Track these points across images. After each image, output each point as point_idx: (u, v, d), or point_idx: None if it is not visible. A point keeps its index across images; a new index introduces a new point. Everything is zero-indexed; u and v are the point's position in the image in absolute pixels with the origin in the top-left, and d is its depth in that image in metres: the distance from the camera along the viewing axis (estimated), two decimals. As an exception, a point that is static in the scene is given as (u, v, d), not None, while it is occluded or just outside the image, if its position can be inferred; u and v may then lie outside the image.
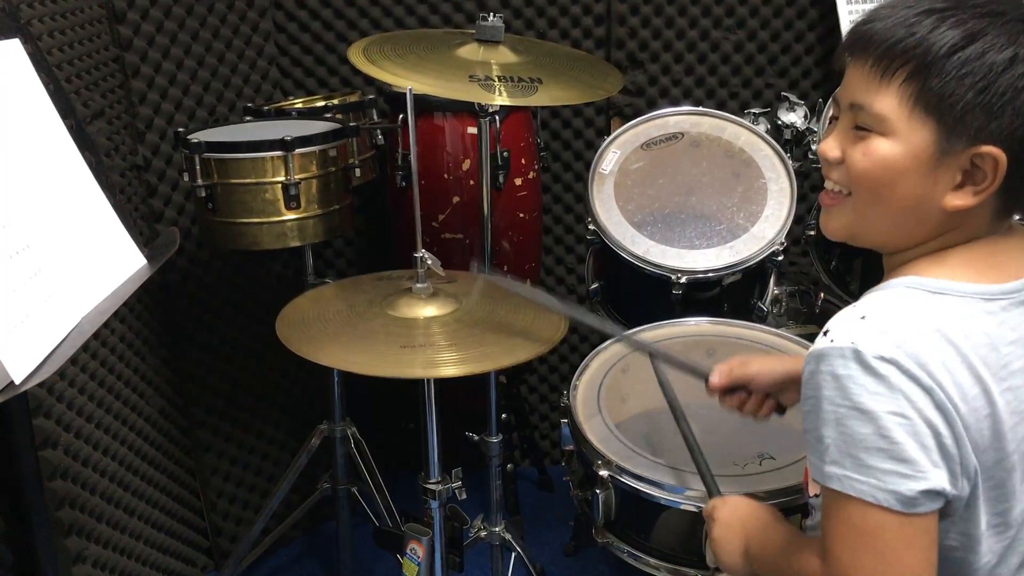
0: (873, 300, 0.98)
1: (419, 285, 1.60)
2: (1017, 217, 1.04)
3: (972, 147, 0.93)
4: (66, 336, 1.03)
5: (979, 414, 0.92)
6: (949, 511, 0.94)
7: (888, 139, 0.97)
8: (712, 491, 1.29)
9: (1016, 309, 0.97)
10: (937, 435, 0.90)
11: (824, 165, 1.06)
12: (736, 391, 1.33)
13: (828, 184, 1.07)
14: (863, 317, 0.94)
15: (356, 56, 1.69)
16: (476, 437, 1.96)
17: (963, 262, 0.99)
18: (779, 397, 1.31)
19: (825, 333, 0.95)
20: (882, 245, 1.07)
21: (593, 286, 1.96)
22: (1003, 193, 0.96)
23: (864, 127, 0.99)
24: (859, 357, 0.90)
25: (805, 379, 0.96)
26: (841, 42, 1.17)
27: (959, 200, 0.96)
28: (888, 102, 0.96)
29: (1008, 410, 0.94)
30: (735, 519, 1.19)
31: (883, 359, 0.89)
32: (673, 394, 1.41)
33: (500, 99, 1.62)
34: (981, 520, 0.96)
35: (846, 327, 0.94)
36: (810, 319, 2.11)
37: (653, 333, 1.73)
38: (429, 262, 1.58)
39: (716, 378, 1.32)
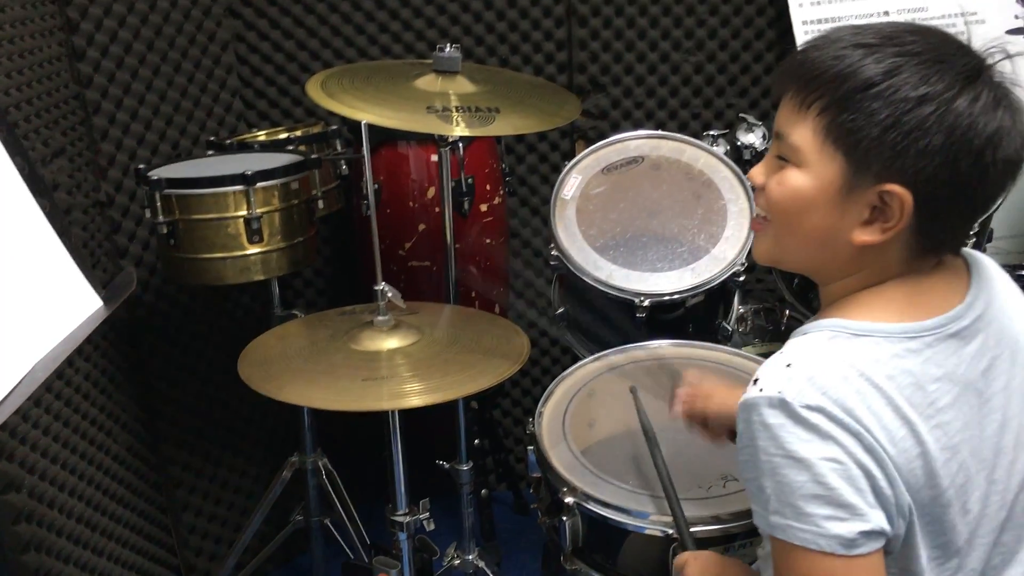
0: (798, 346, 0.98)
1: (380, 318, 1.60)
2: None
3: (878, 184, 0.94)
4: (17, 384, 1.02)
5: (909, 455, 0.93)
6: (889, 548, 0.95)
7: (800, 170, 0.99)
8: (686, 543, 1.29)
9: (942, 344, 0.97)
10: (870, 477, 0.91)
11: (753, 191, 1.08)
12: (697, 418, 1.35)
13: (756, 209, 1.08)
14: (788, 365, 0.95)
15: (314, 89, 1.70)
16: (447, 465, 1.96)
17: (884, 302, 1.00)
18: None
19: (755, 382, 0.96)
20: (803, 272, 1.10)
21: (559, 310, 1.97)
22: (917, 232, 0.96)
23: (783, 157, 1.01)
24: (786, 407, 0.91)
25: (740, 429, 0.97)
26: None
27: (867, 236, 0.97)
28: (803, 133, 0.98)
29: (938, 447, 0.95)
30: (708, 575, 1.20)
31: (810, 407, 0.91)
32: (654, 436, 1.43)
33: (458, 130, 1.63)
34: (921, 555, 0.97)
35: (773, 376, 0.94)
36: (776, 336, 2.13)
37: (617, 357, 1.74)
38: (390, 294, 1.58)
39: (677, 406, 1.34)
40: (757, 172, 1.07)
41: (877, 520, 0.91)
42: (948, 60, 0.93)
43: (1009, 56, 0.96)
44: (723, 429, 1.34)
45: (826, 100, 0.95)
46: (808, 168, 0.98)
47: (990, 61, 0.95)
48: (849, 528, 0.90)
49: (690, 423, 1.36)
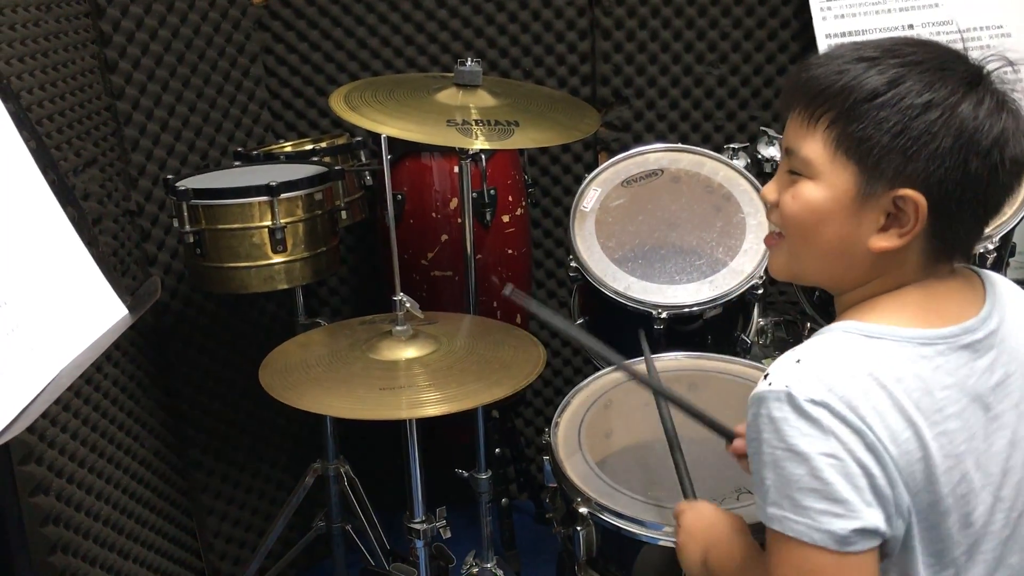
0: (811, 345, 1.00)
1: (399, 328, 1.63)
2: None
3: (892, 190, 0.96)
4: (42, 390, 1.06)
5: (911, 457, 0.94)
6: (886, 550, 0.95)
7: (814, 183, 1.01)
8: (687, 492, 1.31)
9: (953, 354, 0.98)
10: (869, 475, 0.91)
11: (766, 208, 1.09)
12: None
13: (769, 226, 1.10)
14: (798, 361, 0.96)
15: (337, 103, 1.73)
16: (466, 474, 1.97)
17: (900, 307, 1.01)
18: None
19: (765, 377, 0.98)
20: (821, 285, 1.10)
21: (579, 321, 1.99)
22: (932, 236, 0.98)
23: (795, 171, 1.03)
24: (792, 400, 0.93)
25: (748, 422, 0.99)
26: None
27: (884, 242, 0.98)
28: (814, 147, 1.00)
29: (941, 454, 0.95)
30: (698, 526, 1.20)
31: (814, 402, 0.92)
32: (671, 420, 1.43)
33: (477, 143, 1.65)
34: (918, 560, 0.98)
35: (783, 371, 0.96)
36: (797, 349, 2.12)
37: (635, 368, 1.74)
38: (408, 305, 1.60)
39: (740, 443, 1.30)
40: (769, 189, 1.08)
41: (872, 519, 0.91)
42: (949, 68, 0.96)
43: (1010, 63, 0.98)
44: None
45: (834, 113, 0.97)
46: (821, 180, 1.00)
47: (989, 68, 0.98)
48: (843, 524, 0.91)
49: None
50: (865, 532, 0.92)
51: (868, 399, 0.93)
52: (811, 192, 1.01)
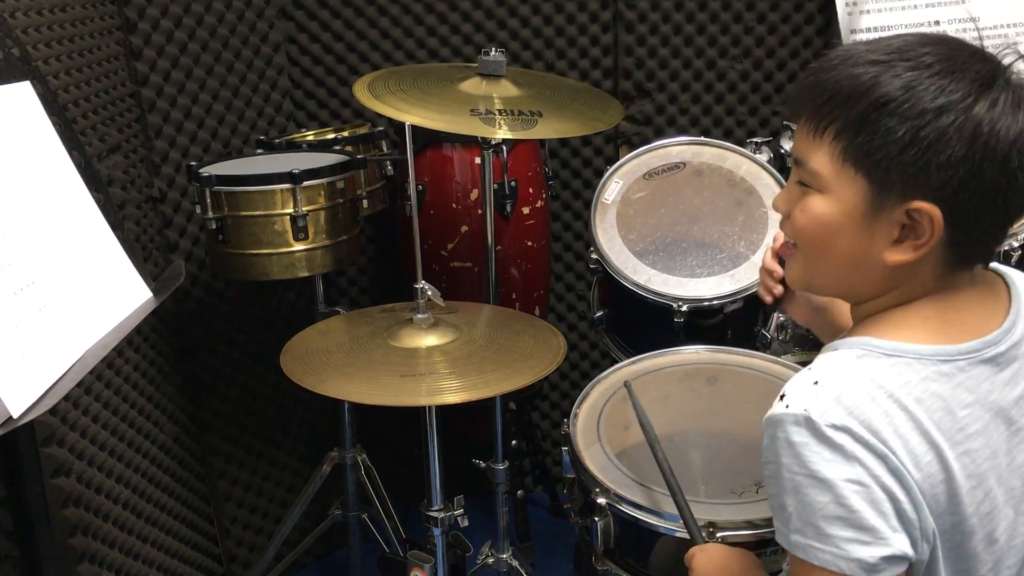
0: (827, 364, 0.97)
1: (420, 316, 1.63)
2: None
3: (904, 203, 0.92)
4: (68, 370, 1.07)
5: (934, 479, 0.91)
6: (911, 573, 0.93)
7: (823, 196, 0.97)
8: (695, 537, 1.28)
9: (975, 369, 0.95)
10: (895, 501, 0.89)
11: (781, 220, 1.07)
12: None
13: (783, 236, 1.08)
14: (816, 383, 0.93)
15: (361, 91, 1.73)
16: (482, 464, 1.98)
17: (919, 321, 0.97)
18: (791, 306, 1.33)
19: (781, 398, 0.94)
20: (837, 296, 1.07)
21: (598, 314, 1.98)
22: (949, 246, 0.94)
23: (804, 183, 0.99)
24: (812, 425, 0.90)
25: (764, 445, 0.96)
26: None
27: (899, 255, 0.95)
28: (821, 159, 0.96)
29: (964, 474, 0.93)
30: (710, 569, 1.19)
31: (835, 427, 0.89)
32: (654, 434, 1.42)
33: (500, 132, 1.65)
34: None
35: (800, 393, 0.93)
36: (816, 345, 2.10)
37: (653, 361, 1.74)
38: (429, 293, 1.60)
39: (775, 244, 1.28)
40: (780, 200, 1.05)
41: (900, 545, 0.89)
42: (962, 68, 0.91)
43: (1022, 56, 0.94)
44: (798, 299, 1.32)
45: (840, 123, 0.93)
46: (830, 193, 0.96)
47: (1005, 63, 0.93)
48: (871, 552, 0.89)
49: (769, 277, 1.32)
50: (893, 559, 0.90)
51: (889, 422, 0.90)
52: (820, 206, 0.97)
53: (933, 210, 0.91)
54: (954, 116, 0.88)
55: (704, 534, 1.30)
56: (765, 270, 1.33)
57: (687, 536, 1.38)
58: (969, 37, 0.97)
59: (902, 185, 0.91)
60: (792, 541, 0.93)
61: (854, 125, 0.92)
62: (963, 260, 0.97)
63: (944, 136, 0.89)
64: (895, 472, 0.89)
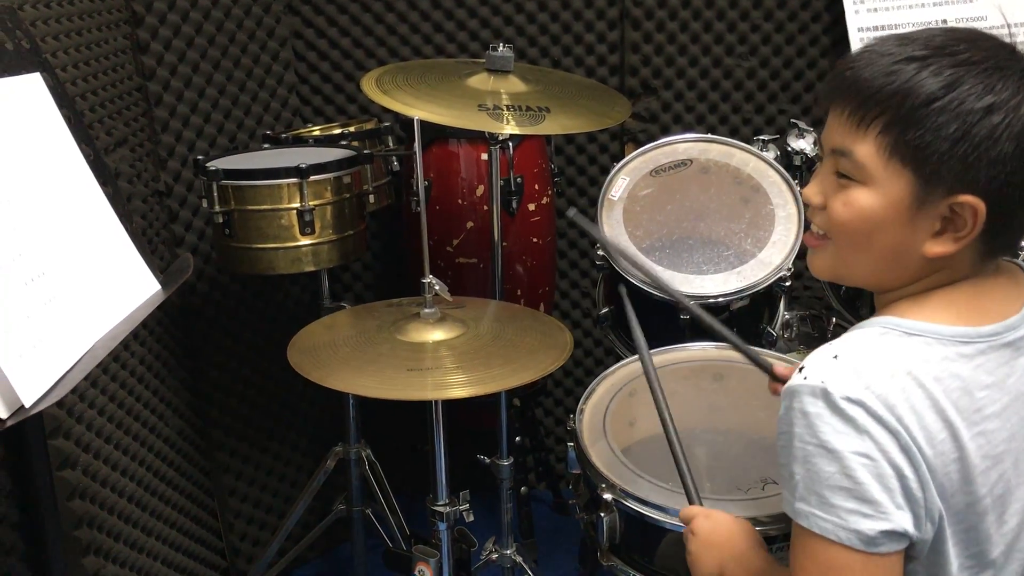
0: (848, 340, 0.98)
1: (427, 310, 1.63)
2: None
3: (950, 197, 0.93)
4: (78, 360, 1.07)
5: (946, 458, 0.92)
6: (914, 553, 0.94)
7: (867, 188, 0.97)
8: (691, 497, 1.25)
9: (995, 352, 0.96)
10: (902, 477, 0.90)
11: (808, 209, 1.07)
12: None
13: (812, 226, 1.07)
14: (836, 356, 0.94)
15: (369, 85, 1.73)
16: (487, 460, 1.98)
17: (944, 304, 0.99)
18: None
19: (800, 370, 0.96)
20: (866, 286, 1.07)
21: (603, 311, 1.98)
22: (985, 237, 0.95)
23: (845, 175, 0.99)
24: (827, 397, 0.91)
25: (780, 415, 0.97)
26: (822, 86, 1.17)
27: (939, 247, 0.96)
28: (866, 151, 0.96)
29: (979, 454, 0.94)
30: (715, 539, 1.16)
31: (850, 400, 0.90)
32: (664, 404, 1.40)
33: (508, 128, 1.65)
34: (951, 563, 0.96)
35: (819, 366, 0.94)
36: (821, 343, 2.11)
37: (659, 358, 1.74)
38: (437, 287, 1.60)
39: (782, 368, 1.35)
40: (813, 191, 1.04)
41: (901, 521, 0.90)
42: (1006, 66, 0.92)
43: None
44: None
45: (888, 117, 0.94)
46: (875, 186, 0.97)
47: None
48: (871, 525, 0.90)
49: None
50: (893, 534, 0.91)
51: (906, 399, 0.91)
52: (864, 199, 0.97)
53: (978, 203, 0.92)
54: (1004, 114, 0.90)
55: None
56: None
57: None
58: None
59: (951, 180, 0.92)
60: (796, 508, 0.95)
61: (904, 120, 0.93)
62: (995, 251, 0.99)
63: (994, 134, 0.90)
64: (906, 449, 0.90)
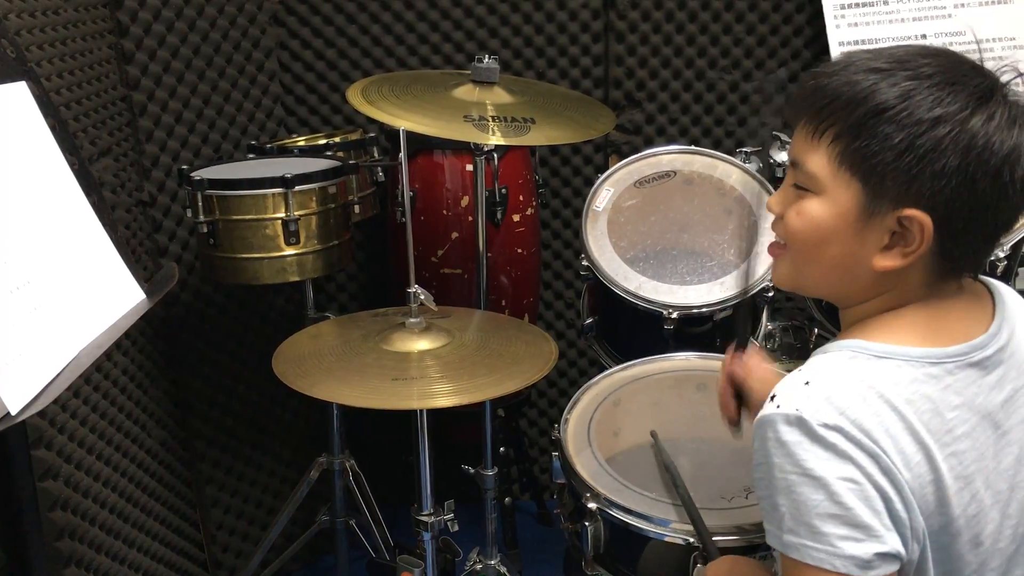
0: (818, 365, 0.98)
1: (412, 320, 1.63)
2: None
3: (896, 209, 0.93)
4: (63, 369, 1.06)
5: (923, 480, 0.92)
6: (902, 573, 0.94)
7: (819, 198, 0.98)
8: (712, 555, 1.29)
9: (962, 372, 0.96)
10: (887, 499, 0.90)
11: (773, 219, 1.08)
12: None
13: (774, 236, 1.09)
14: (807, 383, 0.94)
15: (354, 96, 1.74)
16: (472, 470, 1.98)
17: (908, 325, 0.99)
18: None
19: (772, 398, 0.95)
20: (824, 298, 1.09)
21: (588, 321, 1.99)
22: (938, 255, 0.96)
23: (800, 185, 1.01)
24: (804, 424, 0.91)
25: (756, 446, 0.97)
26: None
27: (888, 261, 0.96)
28: (818, 161, 0.97)
29: (952, 475, 0.94)
30: (721, 573, 1.21)
31: (827, 426, 0.90)
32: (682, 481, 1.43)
33: (494, 138, 1.66)
34: None
35: (791, 393, 0.94)
36: (803, 354, 2.13)
37: (642, 368, 1.75)
38: (422, 297, 1.61)
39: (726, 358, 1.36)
40: (775, 201, 1.06)
41: (893, 543, 0.90)
42: (961, 81, 0.92)
43: (1021, 74, 0.96)
44: (754, 409, 1.33)
45: (839, 127, 0.95)
46: (825, 196, 0.98)
47: (1004, 79, 0.95)
48: (865, 549, 0.89)
49: (727, 392, 1.35)
50: (886, 556, 0.90)
51: (880, 422, 0.91)
52: (815, 209, 0.98)
53: (924, 218, 0.92)
54: (950, 127, 0.90)
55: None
56: (720, 393, 1.37)
57: (676, 541, 1.39)
58: (960, 50, 0.98)
59: (896, 192, 0.93)
60: (785, 541, 0.94)
61: (852, 129, 0.94)
62: (952, 270, 0.99)
63: (939, 146, 0.90)
64: (887, 471, 0.90)
